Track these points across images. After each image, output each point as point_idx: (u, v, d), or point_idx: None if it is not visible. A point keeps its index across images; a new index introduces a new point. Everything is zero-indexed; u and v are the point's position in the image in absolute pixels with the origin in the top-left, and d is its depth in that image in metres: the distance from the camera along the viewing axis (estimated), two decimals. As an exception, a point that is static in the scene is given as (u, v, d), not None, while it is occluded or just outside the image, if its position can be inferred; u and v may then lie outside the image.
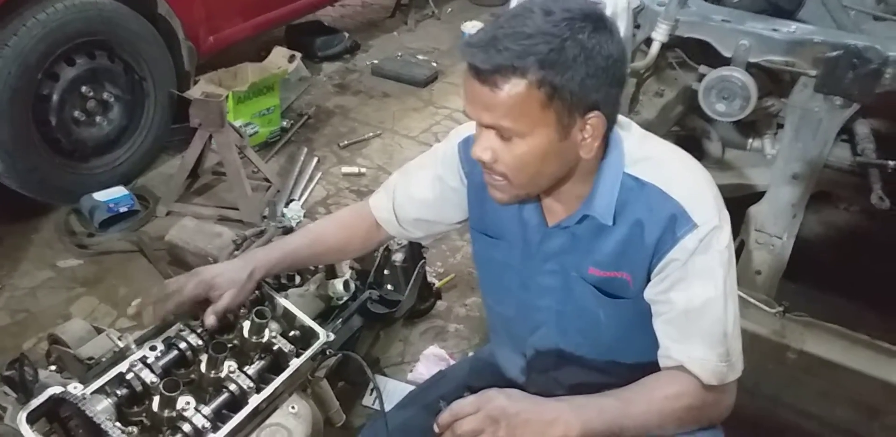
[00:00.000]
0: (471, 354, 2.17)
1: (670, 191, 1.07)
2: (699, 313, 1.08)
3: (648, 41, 1.87)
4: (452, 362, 2.15)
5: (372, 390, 1.99)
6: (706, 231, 1.05)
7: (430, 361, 2.15)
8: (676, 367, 1.11)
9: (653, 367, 1.17)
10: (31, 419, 1.05)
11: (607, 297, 1.15)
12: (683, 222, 1.05)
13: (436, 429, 1.00)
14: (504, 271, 1.27)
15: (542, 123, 1.00)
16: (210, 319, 1.22)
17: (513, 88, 0.97)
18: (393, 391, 2.01)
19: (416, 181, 1.35)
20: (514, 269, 1.24)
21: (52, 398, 1.07)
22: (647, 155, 1.11)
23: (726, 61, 1.75)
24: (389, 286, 2.01)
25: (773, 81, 1.98)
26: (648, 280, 1.12)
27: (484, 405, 0.99)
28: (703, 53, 1.89)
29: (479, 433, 0.97)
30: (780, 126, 1.98)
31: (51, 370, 1.32)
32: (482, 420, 0.98)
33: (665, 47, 1.87)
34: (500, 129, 1.01)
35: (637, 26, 1.87)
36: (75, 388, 1.08)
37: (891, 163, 1.79)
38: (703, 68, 1.84)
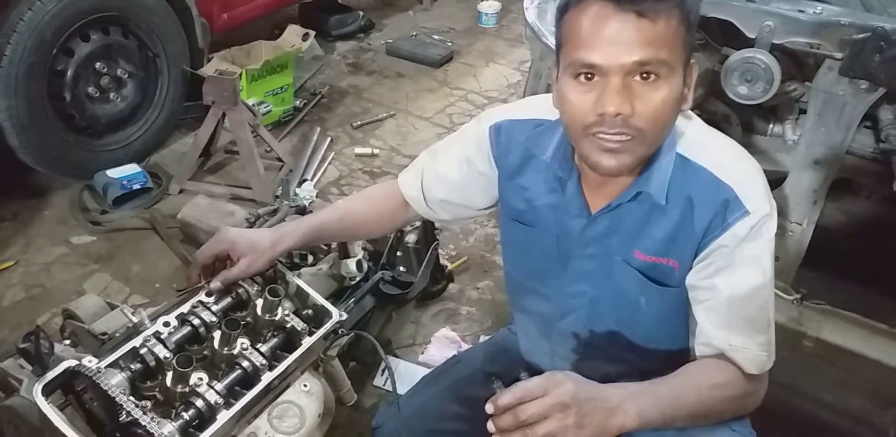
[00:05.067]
0: (483, 337, 2.17)
1: (723, 175, 1.04)
2: (744, 301, 1.06)
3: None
4: (464, 344, 2.15)
5: (383, 370, 1.99)
6: (758, 218, 1.03)
7: (442, 343, 2.15)
8: (716, 355, 1.09)
9: (677, 358, 1.17)
10: (47, 392, 1.06)
11: (653, 283, 1.12)
12: (736, 207, 1.03)
13: (489, 410, 0.92)
14: (538, 258, 1.24)
15: (680, 59, 0.97)
16: (215, 283, 1.20)
17: (670, 16, 0.93)
18: (404, 372, 2.02)
19: (443, 162, 1.33)
20: (548, 254, 1.21)
21: (67, 371, 1.07)
22: (698, 138, 1.08)
23: (749, 43, 1.72)
24: (402, 268, 2.00)
25: (796, 65, 1.94)
26: (692, 266, 1.09)
27: (552, 390, 0.91)
28: (726, 34, 1.85)
29: (545, 419, 0.90)
30: (803, 111, 1.94)
31: (65, 345, 1.33)
32: (551, 406, 0.90)
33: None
34: (652, 64, 0.93)
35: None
36: (90, 361, 1.08)
37: (916, 150, 1.76)
38: (725, 50, 1.80)
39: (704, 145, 1.08)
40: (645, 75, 0.95)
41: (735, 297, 1.06)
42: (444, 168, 1.32)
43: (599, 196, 1.13)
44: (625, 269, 1.13)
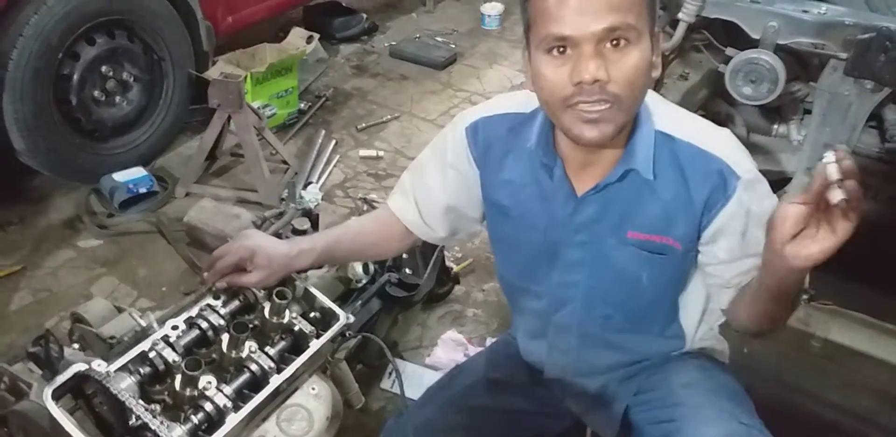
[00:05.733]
0: (489, 339, 2.17)
1: (708, 147, 1.08)
2: None
3: (673, 23, 1.83)
4: (470, 346, 2.15)
5: (390, 372, 1.99)
6: (750, 180, 1.07)
7: (448, 345, 2.15)
8: None
9: (670, 340, 1.24)
10: (57, 396, 1.06)
11: (653, 254, 1.14)
12: (731, 176, 1.06)
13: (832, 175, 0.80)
14: (527, 254, 1.25)
15: (647, 25, 1.00)
16: (221, 283, 1.20)
17: None
18: (411, 374, 2.02)
19: (428, 174, 1.32)
20: (537, 249, 1.22)
21: (77, 375, 1.07)
22: (672, 114, 1.12)
23: (754, 44, 1.72)
24: (408, 270, 2.00)
25: (801, 65, 1.94)
26: (699, 238, 1.12)
27: None
28: (730, 35, 1.85)
29: None
30: (807, 112, 1.94)
31: (74, 349, 1.33)
32: None
33: (691, 29, 1.83)
34: (622, 29, 0.96)
35: (663, 8, 1.83)
36: (100, 365, 1.08)
37: (921, 150, 1.76)
38: (730, 51, 1.80)
39: (679, 120, 1.12)
40: (615, 42, 0.97)
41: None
42: (430, 180, 1.32)
43: (585, 180, 1.14)
44: (620, 249, 1.15)
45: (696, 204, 1.08)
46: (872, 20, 1.62)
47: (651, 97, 1.11)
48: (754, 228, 1.08)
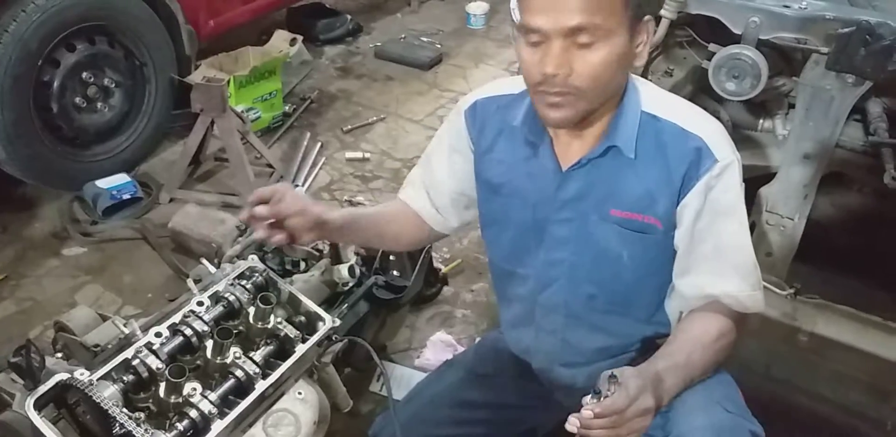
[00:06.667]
0: (477, 339, 2.16)
1: (690, 127, 1.12)
2: (731, 247, 1.15)
3: (656, 19, 1.83)
4: (460, 347, 2.14)
5: (379, 375, 1.98)
6: (725, 166, 1.10)
7: (438, 347, 2.14)
8: (707, 304, 1.17)
9: (655, 324, 1.25)
10: (39, 406, 1.05)
11: (634, 232, 1.16)
12: (707, 156, 1.10)
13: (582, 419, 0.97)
14: (515, 233, 1.28)
15: (622, 22, 1.03)
16: (249, 212, 1.14)
17: None
18: (400, 377, 2.01)
19: (436, 160, 1.36)
20: (525, 227, 1.25)
21: (59, 384, 1.07)
22: (661, 97, 1.17)
23: (736, 39, 1.72)
24: (395, 272, 1.99)
25: (784, 60, 1.94)
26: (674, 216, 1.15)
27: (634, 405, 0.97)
28: (713, 31, 1.85)
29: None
30: (792, 106, 1.94)
31: (57, 358, 1.32)
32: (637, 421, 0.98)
33: (673, 25, 1.83)
34: (590, 29, 1.01)
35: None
36: (82, 374, 1.07)
37: (904, 142, 1.76)
38: (712, 46, 1.80)
39: (667, 102, 1.16)
40: (583, 38, 1.02)
41: (721, 244, 1.14)
42: (437, 168, 1.36)
43: (572, 156, 1.18)
44: (602, 226, 1.18)
45: (675, 181, 1.12)
46: (852, 14, 1.63)
47: (641, 81, 1.17)
48: (708, 214, 1.12)
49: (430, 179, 1.37)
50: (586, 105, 1.08)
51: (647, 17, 1.07)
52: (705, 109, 2.14)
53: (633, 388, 0.97)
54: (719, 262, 1.15)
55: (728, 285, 1.16)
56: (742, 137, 2.12)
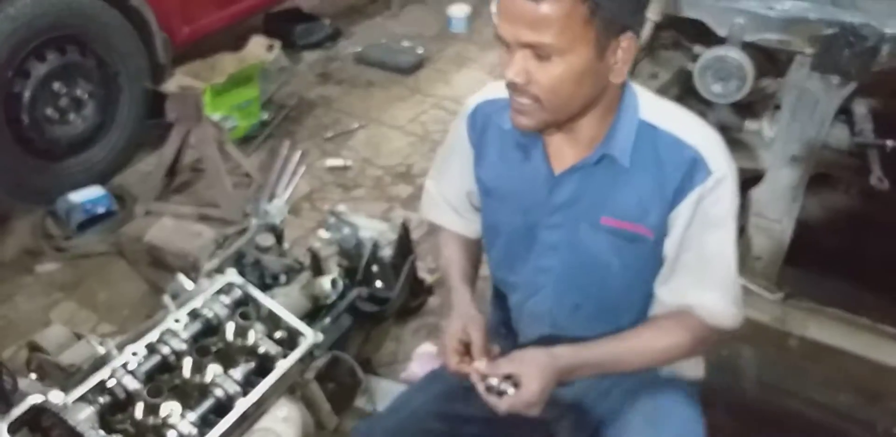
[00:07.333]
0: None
1: (686, 137, 1.11)
2: (714, 258, 1.15)
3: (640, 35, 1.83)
4: (447, 358, 2.10)
5: (365, 390, 1.94)
6: (719, 179, 1.10)
7: (424, 359, 2.10)
8: (678, 311, 1.17)
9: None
10: (13, 430, 1.04)
11: (624, 241, 1.16)
12: (701, 167, 1.10)
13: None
14: (507, 239, 1.27)
15: (582, 41, 1.02)
16: (480, 362, 1.18)
17: (557, 1, 0.98)
18: (386, 391, 1.96)
19: (446, 167, 1.36)
20: (516, 233, 1.25)
21: (33, 408, 1.05)
22: (660, 106, 1.16)
23: (722, 41, 1.72)
24: (379, 283, 1.96)
25: (770, 61, 1.94)
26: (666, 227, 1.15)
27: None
28: (698, 33, 1.84)
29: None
30: (778, 107, 1.94)
31: (31, 378, 1.29)
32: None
33: (658, 27, 1.82)
34: (541, 46, 1.01)
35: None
36: (56, 397, 1.05)
37: (889, 143, 1.76)
38: (697, 48, 1.80)
39: (666, 111, 1.16)
40: (539, 51, 1.03)
41: (704, 257, 1.14)
42: (448, 175, 1.36)
43: (565, 161, 1.17)
44: (593, 235, 1.17)
45: (668, 192, 1.11)
46: (836, 15, 1.63)
47: (641, 89, 1.17)
48: (697, 225, 1.12)
49: (445, 188, 1.38)
50: (548, 116, 1.08)
51: (626, 35, 1.05)
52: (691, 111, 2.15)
53: (531, 393, 1.07)
54: (701, 272, 1.15)
55: (706, 296, 1.16)
56: (730, 139, 2.11)
